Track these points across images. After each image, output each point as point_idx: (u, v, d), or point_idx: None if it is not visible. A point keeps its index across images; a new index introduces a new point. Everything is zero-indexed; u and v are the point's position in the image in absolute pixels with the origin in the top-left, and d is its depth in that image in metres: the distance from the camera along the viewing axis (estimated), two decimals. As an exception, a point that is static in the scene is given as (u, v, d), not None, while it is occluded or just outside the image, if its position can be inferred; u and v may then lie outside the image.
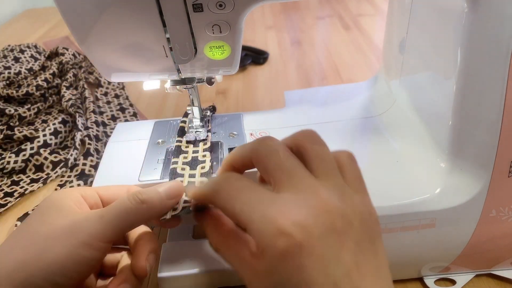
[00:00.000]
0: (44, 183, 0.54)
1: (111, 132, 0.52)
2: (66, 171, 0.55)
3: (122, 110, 0.70)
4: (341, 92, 0.51)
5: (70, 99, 0.67)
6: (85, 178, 0.53)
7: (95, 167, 0.55)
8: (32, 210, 0.31)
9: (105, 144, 0.60)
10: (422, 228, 0.34)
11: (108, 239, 0.27)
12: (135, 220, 0.28)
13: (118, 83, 0.77)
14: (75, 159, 0.56)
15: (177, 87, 0.42)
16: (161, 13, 0.33)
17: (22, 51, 0.87)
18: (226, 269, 0.39)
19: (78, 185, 0.53)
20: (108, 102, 0.71)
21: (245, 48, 0.88)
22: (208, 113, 0.46)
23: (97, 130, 0.62)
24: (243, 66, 0.84)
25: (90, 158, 0.56)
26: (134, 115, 0.69)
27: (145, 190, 0.29)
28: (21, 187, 0.53)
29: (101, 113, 0.69)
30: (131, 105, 0.71)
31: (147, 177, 0.38)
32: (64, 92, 0.69)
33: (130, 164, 0.40)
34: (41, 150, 0.57)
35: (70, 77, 0.74)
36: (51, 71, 0.75)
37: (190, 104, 0.43)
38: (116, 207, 0.28)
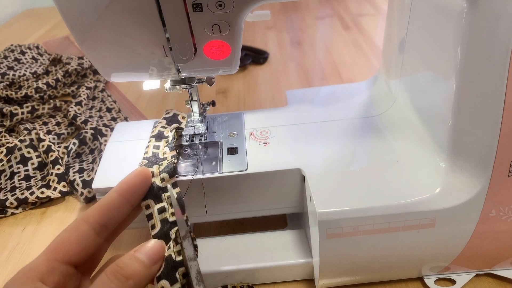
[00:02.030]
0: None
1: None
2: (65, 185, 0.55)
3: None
4: (341, 92, 0.51)
5: (75, 115, 0.66)
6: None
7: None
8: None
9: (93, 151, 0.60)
10: (422, 228, 0.34)
11: None
12: None
13: (109, 95, 0.76)
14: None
15: (177, 87, 0.42)
16: (161, 13, 0.33)
17: (23, 53, 0.87)
18: (226, 269, 0.39)
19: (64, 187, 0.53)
20: (101, 117, 0.70)
21: (245, 48, 0.88)
22: (207, 108, 0.46)
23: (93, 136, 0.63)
24: (243, 66, 0.84)
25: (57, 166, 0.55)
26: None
27: (124, 262, 0.25)
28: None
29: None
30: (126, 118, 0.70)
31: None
32: (71, 108, 0.68)
33: (130, 164, 0.40)
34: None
35: (83, 96, 0.73)
36: (54, 77, 0.75)
37: (189, 99, 0.44)
38: None
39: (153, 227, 0.30)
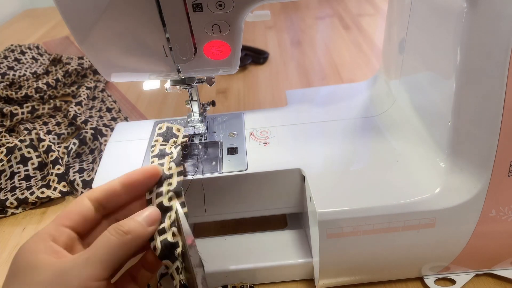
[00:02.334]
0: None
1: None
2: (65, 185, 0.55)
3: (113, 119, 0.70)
4: (341, 92, 0.51)
5: (75, 115, 0.66)
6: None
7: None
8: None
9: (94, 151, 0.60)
10: (422, 228, 0.34)
11: (103, 277, 0.27)
12: (123, 253, 0.28)
13: (109, 95, 0.76)
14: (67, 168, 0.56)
15: (177, 87, 0.42)
16: (161, 13, 0.33)
17: (23, 53, 0.87)
18: (226, 269, 0.39)
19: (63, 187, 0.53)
20: (101, 117, 0.70)
21: (245, 48, 0.88)
22: (207, 108, 0.46)
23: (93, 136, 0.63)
24: (243, 66, 0.84)
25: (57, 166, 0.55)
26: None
27: (124, 221, 0.29)
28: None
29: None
30: (126, 118, 0.70)
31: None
32: (71, 108, 0.68)
33: (130, 164, 0.40)
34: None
35: (83, 96, 0.73)
36: (55, 77, 0.75)
37: (189, 99, 0.43)
38: (100, 245, 0.27)
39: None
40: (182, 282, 0.29)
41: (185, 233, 0.31)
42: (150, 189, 0.34)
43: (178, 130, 0.41)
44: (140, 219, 0.30)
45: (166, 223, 0.31)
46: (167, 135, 0.40)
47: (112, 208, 0.32)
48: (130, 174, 0.33)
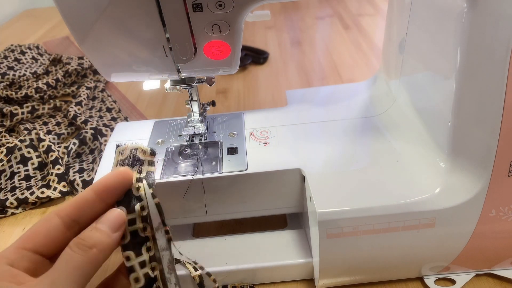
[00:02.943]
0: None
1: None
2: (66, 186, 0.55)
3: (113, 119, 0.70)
4: (341, 92, 0.51)
5: (75, 115, 0.66)
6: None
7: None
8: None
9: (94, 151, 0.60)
10: (422, 228, 0.34)
11: None
12: (91, 270, 0.26)
13: (109, 95, 0.76)
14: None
15: (177, 87, 0.42)
16: (161, 13, 0.33)
17: (23, 53, 0.87)
18: (226, 269, 0.39)
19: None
20: (101, 117, 0.70)
21: (245, 48, 0.88)
22: (207, 108, 0.46)
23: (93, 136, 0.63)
24: (243, 66, 0.84)
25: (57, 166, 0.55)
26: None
27: (85, 233, 0.26)
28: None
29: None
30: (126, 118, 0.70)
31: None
32: (71, 108, 0.68)
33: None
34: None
35: (83, 96, 0.73)
36: (55, 77, 0.75)
37: (189, 99, 0.44)
38: (64, 265, 0.25)
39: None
40: None
41: (152, 216, 0.29)
42: (119, 201, 0.29)
43: (144, 152, 0.32)
44: (104, 227, 0.27)
45: (145, 256, 0.28)
46: (133, 163, 0.31)
47: (88, 220, 0.29)
48: (101, 179, 0.29)
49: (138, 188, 0.30)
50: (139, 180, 0.30)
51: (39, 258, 0.27)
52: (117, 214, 0.28)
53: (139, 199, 0.29)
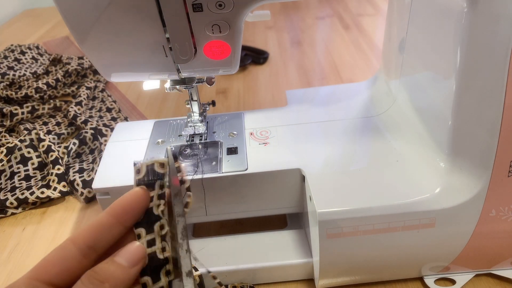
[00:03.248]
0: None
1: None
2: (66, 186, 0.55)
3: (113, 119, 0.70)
4: (341, 92, 0.51)
5: (75, 115, 0.66)
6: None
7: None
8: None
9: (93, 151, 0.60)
10: (422, 228, 0.34)
11: None
12: None
13: (109, 95, 0.76)
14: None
15: (177, 87, 0.42)
16: (161, 13, 0.33)
17: (23, 53, 0.87)
18: (226, 269, 0.39)
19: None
20: (101, 117, 0.70)
21: (245, 48, 0.88)
22: (207, 108, 0.46)
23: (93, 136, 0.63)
24: (243, 66, 0.84)
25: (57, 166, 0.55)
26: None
27: (100, 266, 0.25)
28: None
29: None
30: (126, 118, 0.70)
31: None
32: (71, 108, 0.68)
33: (130, 164, 0.40)
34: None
35: (83, 96, 0.73)
36: (55, 77, 0.75)
37: (189, 99, 0.44)
38: None
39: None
40: None
41: (171, 173, 0.27)
42: (137, 223, 0.28)
43: (162, 165, 0.29)
44: (120, 260, 0.25)
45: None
46: (152, 179, 0.28)
47: (106, 246, 0.27)
48: (117, 201, 0.27)
49: (158, 206, 0.28)
50: (161, 196, 0.28)
51: None
52: (136, 247, 0.26)
53: (158, 218, 0.28)
